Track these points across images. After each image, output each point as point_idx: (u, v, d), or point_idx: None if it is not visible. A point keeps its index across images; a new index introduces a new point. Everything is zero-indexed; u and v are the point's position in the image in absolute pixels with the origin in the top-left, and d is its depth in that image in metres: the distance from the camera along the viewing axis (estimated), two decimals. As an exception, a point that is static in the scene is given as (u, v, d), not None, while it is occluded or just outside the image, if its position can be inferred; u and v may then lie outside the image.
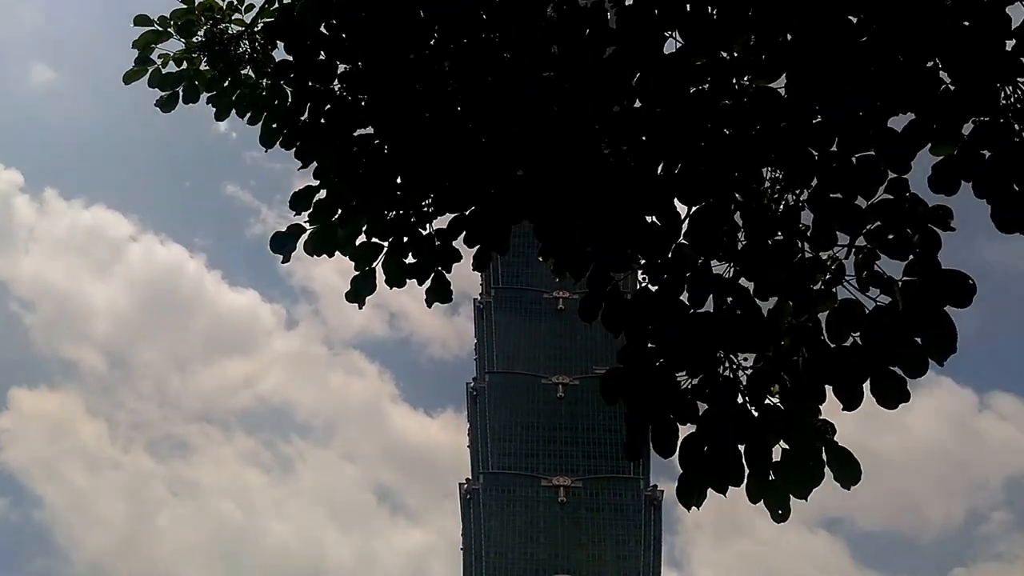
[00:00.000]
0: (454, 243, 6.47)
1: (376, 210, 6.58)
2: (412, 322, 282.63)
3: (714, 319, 5.40)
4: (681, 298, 5.46)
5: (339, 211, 6.59)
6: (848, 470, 5.47)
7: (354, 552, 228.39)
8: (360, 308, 6.94)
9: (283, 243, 6.68)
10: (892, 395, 5.25)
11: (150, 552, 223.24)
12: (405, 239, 6.66)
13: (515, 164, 5.78)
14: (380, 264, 6.69)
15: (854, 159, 5.26)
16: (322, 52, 6.31)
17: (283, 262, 6.78)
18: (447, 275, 6.73)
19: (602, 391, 5.37)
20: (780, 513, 5.61)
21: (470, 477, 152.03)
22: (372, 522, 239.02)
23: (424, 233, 6.66)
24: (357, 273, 6.69)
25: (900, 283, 5.15)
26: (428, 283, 6.72)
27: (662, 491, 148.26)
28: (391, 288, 6.73)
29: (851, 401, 5.33)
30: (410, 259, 6.71)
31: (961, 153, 5.08)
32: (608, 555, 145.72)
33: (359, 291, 6.75)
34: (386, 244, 6.68)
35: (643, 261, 5.59)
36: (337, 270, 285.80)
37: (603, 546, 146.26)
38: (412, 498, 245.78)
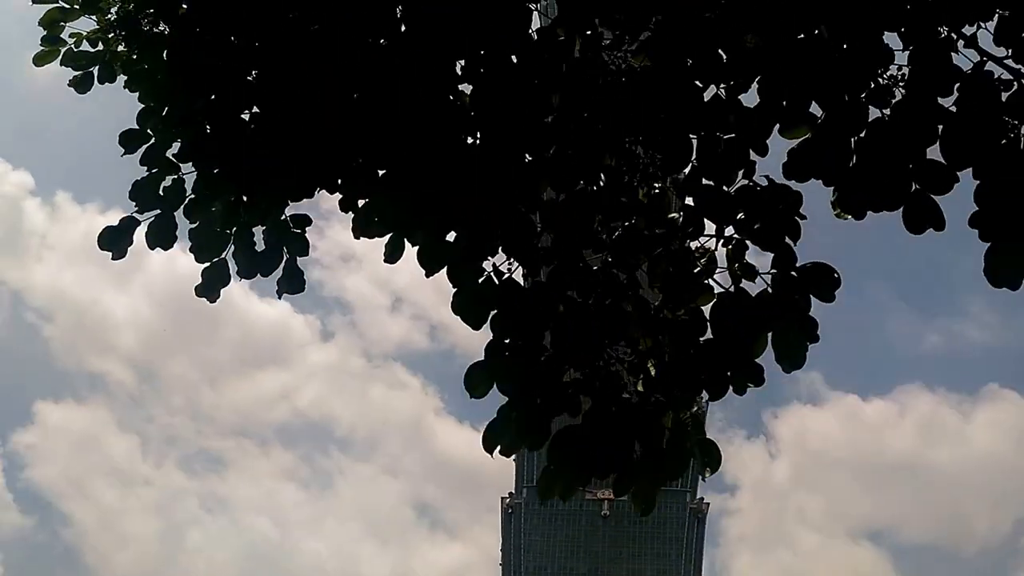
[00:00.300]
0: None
1: (226, 195, 6.01)
2: (454, 335, 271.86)
3: (601, 312, 5.30)
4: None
5: (186, 200, 6.09)
6: (711, 459, 5.51)
7: (390, 568, 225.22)
8: (212, 303, 6.32)
9: (113, 239, 6.21)
10: (744, 385, 5.29)
11: (182, 571, 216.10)
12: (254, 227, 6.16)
13: (375, 148, 5.46)
14: (230, 255, 6.18)
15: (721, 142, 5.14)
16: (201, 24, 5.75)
17: (113, 258, 6.30)
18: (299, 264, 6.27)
19: (468, 384, 5.36)
20: (645, 507, 5.73)
21: (513, 491, 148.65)
22: (410, 537, 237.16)
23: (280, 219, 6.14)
24: (206, 265, 6.21)
25: (769, 275, 5.19)
26: (280, 273, 6.23)
27: (708, 504, 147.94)
28: (240, 280, 6.29)
29: (715, 393, 5.32)
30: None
31: (816, 137, 4.95)
32: (648, 569, 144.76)
33: (210, 285, 6.24)
34: (232, 232, 6.15)
35: (513, 251, 5.40)
36: (372, 280, 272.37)
37: (644, 560, 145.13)
38: (453, 512, 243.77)
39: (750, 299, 5.16)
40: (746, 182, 5.16)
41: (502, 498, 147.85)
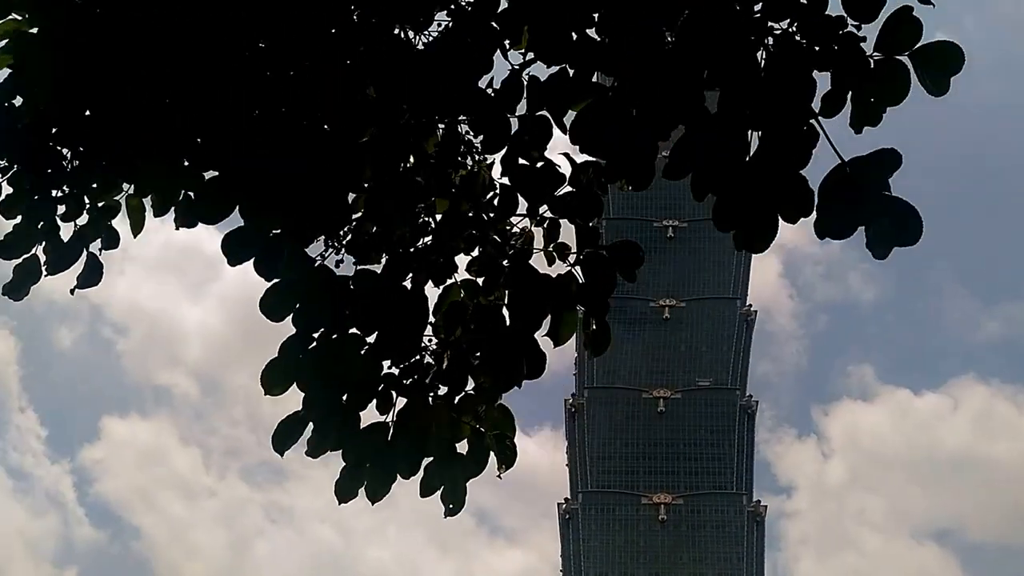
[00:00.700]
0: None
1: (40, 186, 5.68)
2: None
3: (417, 300, 5.10)
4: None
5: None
6: (506, 457, 5.46)
7: (453, 575, 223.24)
8: (18, 301, 6.04)
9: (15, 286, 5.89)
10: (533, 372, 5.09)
11: None
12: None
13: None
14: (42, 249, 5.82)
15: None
16: None
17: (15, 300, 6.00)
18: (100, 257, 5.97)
19: (264, 383, 4.98)
20: (452, 507, 5.34)
21: (569, 496, 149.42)
22: (470, 545, 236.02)
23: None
24: (17, 263, 5.84)
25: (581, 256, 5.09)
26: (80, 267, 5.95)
27: (765, 506, 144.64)
28: (49, 275, 5.90)
29: (508, 383, 5.16)
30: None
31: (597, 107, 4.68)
32: (709, 573, 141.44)
33: (19, 285, 5.89)
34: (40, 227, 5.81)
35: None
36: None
37: (705, 564, 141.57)
38: (511, 519, 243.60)
39: (547, 281, 4.92)
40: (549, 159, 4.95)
41: (558, 504, 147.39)
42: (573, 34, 4.73)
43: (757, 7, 4.54)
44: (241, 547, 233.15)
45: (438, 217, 5.32)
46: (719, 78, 4.53)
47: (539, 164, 5.11)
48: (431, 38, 5.00)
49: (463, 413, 5.25)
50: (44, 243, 5.82)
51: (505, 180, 5.24)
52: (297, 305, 5.05)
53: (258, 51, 5.00)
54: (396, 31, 5.00)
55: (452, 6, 4.93)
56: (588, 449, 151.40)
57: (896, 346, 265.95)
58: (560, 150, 5.02)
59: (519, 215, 5.27)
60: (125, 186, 5.75)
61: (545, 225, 5.27)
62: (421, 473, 5.15)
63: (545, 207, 5.22)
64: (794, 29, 4.47)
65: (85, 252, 5.92)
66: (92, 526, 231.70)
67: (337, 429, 5.06)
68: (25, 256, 5.83)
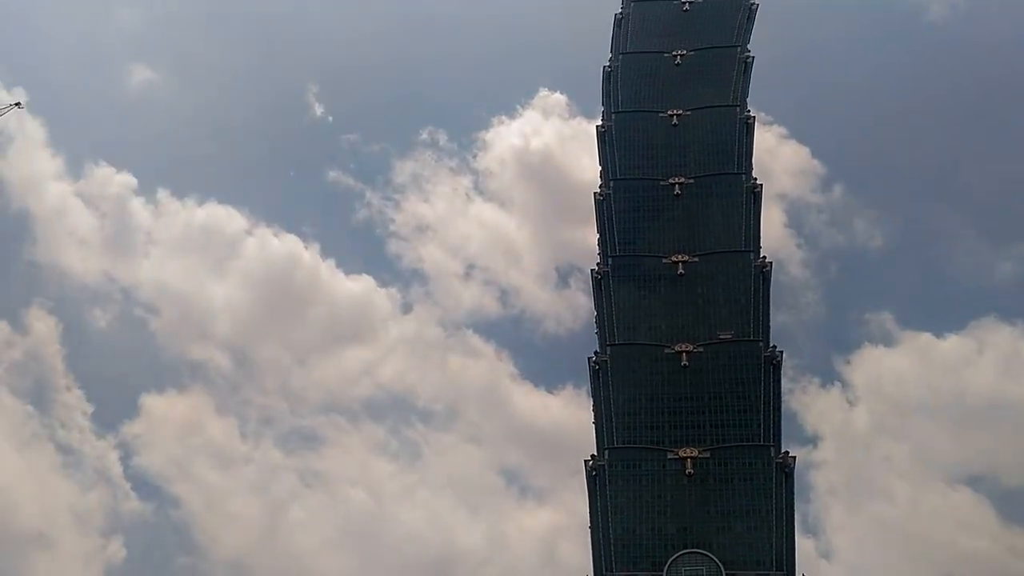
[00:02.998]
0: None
1: None
2: (523, 298, 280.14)
3: None
4: None
5: None
6: None
7: (484, 535, 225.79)
8: None
9: None
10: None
11: (287, 545, 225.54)
12: None
13: None
14: None
15: None
16: None
17: None
18: None
19: None
20: None
21: (595, 454, 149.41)
22: (501, 505, 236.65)
23: None
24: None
25: None
26: None
27: (794, 457, 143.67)
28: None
29: None
30: None
31: None
32: (739, 526, 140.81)
33: None
34: None
35: None
36: (444, 248, 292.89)
37: (733, 517, 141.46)
38: (539, 478, 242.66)
39: None
40: None
41: (585, 461, 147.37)
42: None
43: None
44: (277, 512, 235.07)
45: None
46: None
47: None
48: None
49: None
50: None
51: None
52: None
53: None
54: None
55: None
56: (613, 406, 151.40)
57: (912, 291, 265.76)
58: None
59: None
60: None
61: None
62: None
63: None
64: None
65: None
66: (137, 499, 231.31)
67: None
68: None
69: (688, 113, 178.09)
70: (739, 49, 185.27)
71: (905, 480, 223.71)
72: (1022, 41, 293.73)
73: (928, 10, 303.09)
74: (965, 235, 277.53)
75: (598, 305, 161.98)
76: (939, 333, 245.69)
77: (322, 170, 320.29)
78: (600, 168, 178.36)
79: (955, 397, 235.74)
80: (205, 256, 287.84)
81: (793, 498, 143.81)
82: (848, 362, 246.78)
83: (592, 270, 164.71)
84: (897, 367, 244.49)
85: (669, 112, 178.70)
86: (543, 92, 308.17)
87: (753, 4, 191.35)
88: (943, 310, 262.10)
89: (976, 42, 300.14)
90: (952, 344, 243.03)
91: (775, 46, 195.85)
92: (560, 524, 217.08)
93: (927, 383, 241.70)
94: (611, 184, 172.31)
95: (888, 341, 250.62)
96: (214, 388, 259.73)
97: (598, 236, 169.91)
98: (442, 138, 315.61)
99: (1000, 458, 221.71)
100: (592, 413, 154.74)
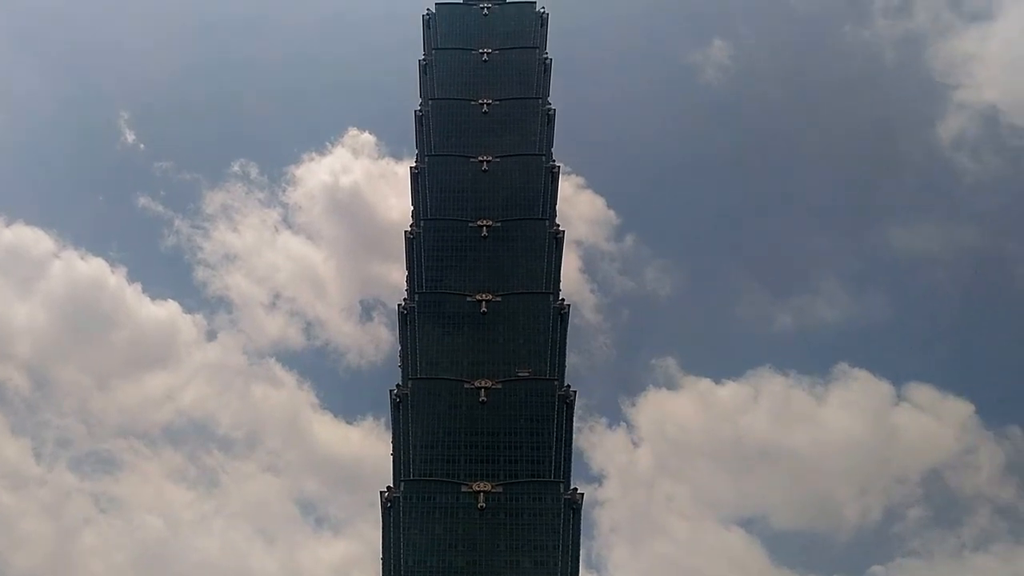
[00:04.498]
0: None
1: None
2: (328, 330, 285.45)
3: None
4: None
5: None
6: None
7: (278, 565, 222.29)
8: None
9: None
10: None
11: (78, 570, 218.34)
12: None
13: None
14: None
15: None
16: None
17: None
18: None
19: None
20: None
21: (391, 485, 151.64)
22: (297, 535, 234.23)
23: None
24: None
25: None
26: None
27: (582, 494, 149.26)
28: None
29: None
30: None
31: None
32: (527, 561, 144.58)
33: None
34: None
35: None
36: (251, 278, 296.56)
37: (521, 552, 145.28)
38: (336, 509, 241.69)
39: None
40: None
41: (381, 492, 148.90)
42: None
43: None
44: (70, 536, 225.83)
45: None
46: None
47: None
48: None
49: None
50: None
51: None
52: None
53: None
54: None
55: None
56: (412, 439, 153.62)
57: (695, 338, 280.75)
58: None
59: None
60: None
61: None
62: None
63: None
64: None
65: None
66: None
67: None
68: None
69: (497, 160, 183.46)
70: (540, 101, 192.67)
71: (684, 519, 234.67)
72: (786, 102, 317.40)
73: (704, 71, 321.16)
74: (747, 287, 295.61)
75: (403, 339, 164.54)
76: (718, 379, 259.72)
77: (132, 196, 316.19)
78: (412, 208, 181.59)
79: (732, 441, 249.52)
80: (10, 277, 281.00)
81: (579, 535, 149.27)
82: (634, 404, 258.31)
83: (399, 305, 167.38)
84: (679, 410, 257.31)
85: (479, 158, 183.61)
86: (353, 131, 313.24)
87: (548, 58, 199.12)
88: (723, 357, 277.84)
89: (745, 102, 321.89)
90: (730, 390, 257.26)
91: (571, 98, 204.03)
92: (355, 555, 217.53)
93: (706, 427, 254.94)
94: (421, 224, 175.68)
95: (671, 385, 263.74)
96: (10, 409, 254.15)
97: (407, 273, 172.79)
98: (253, 171, 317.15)
99: (771, 502, 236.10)
100: (391, 445, 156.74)
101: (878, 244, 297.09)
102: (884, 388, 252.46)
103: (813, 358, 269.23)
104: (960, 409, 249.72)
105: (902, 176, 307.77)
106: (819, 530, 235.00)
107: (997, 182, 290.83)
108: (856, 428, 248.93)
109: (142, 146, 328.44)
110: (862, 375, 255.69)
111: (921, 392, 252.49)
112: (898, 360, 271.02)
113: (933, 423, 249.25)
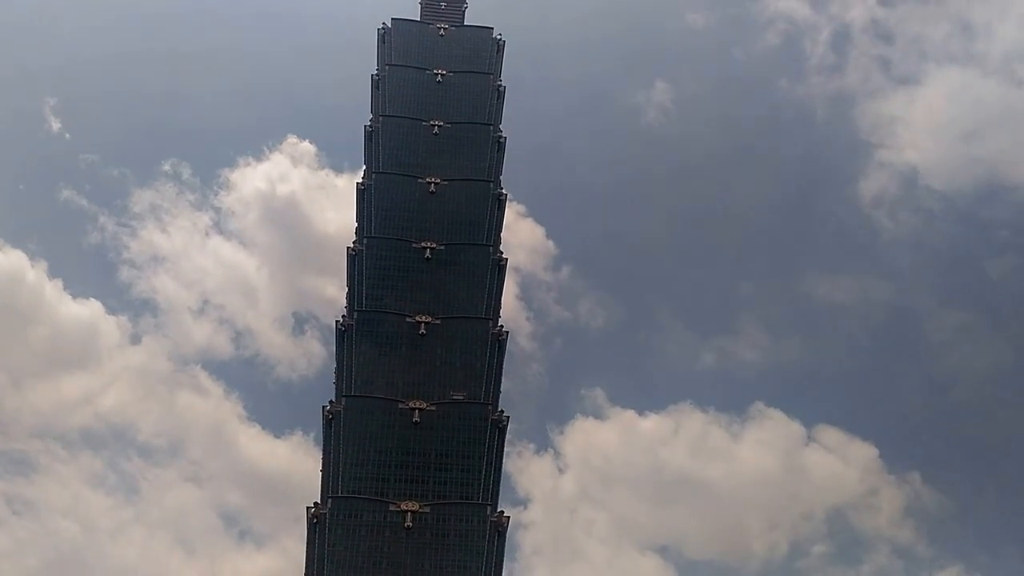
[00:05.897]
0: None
1: None
2: (258, 341, 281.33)
3: None
4: None
5: None
6: None
7: None
8: None
9: None
10: None
11: None
12: None
13: None
14: None
15: None
16: None
17: None
18: None
19: None
20: None
21: (318, 501, 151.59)
22: (218, 546, 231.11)
23: None
24: None
25: None
26: None
27: (508, 517, 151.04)
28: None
29: None
30: None
31: None
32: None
33: None
34: None
35: None
36: (179, 281, 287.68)
37: (445, 572, 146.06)
38: (260, 522, 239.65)
39: None
40: None
41: (307, 508, 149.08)
42: None
43: None
44: None
45: None
46: None
47: None
48: None
49: None
50: None
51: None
52: None
53: None
54: None
55: None
56: (342, 456, 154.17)
57: (623, 371, 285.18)
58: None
59: None
60: None
61: None
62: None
63: None
64: None
65: None
66: None
67: None
68: None
69: (445, 183, 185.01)
70: (492, 128, 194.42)
71: (603, 545, 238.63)
72: (721, 147, 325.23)
73: (646, 112, 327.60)
74: (675, 325, 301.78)
75: (339, 356, 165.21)
76: (642, 412, 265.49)
77: (55, 187, 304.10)
78: (356, 224, 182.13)
79: (652, 472, 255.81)
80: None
81: (503, 557, 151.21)
82: (562, 432, 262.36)
83: (337, 322, 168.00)
84: (604, 440, 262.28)
85: (428, 179, 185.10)
86: (292, 138, 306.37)
87: (502, 85, 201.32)
88: (648, 391, 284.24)
89: (684, 146, 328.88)
90: (652, 423, 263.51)
91: (520, 126, 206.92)
92: (277, 569, 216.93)
93: (628, 457, 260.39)
94: (364, 241, 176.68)
95: (599, 415, 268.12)
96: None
97: (347, 290, 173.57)
98: (185, 171, 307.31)
99: (686, 531, 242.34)
100: (320, 461, 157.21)
101: (798, 292, 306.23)
102: (796, 428, 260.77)
103: (732, 396, 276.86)
104: (865, 452, 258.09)
105: (824, 228, 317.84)
106: (729, 561, 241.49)
107: (912, 240, 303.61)
108: (768, 465, 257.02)
109: (68, 136, 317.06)
110: (776, 415, 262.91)
111: (830, 434, 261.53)
112: (810, 403, 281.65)
113: (839, 464, 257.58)
